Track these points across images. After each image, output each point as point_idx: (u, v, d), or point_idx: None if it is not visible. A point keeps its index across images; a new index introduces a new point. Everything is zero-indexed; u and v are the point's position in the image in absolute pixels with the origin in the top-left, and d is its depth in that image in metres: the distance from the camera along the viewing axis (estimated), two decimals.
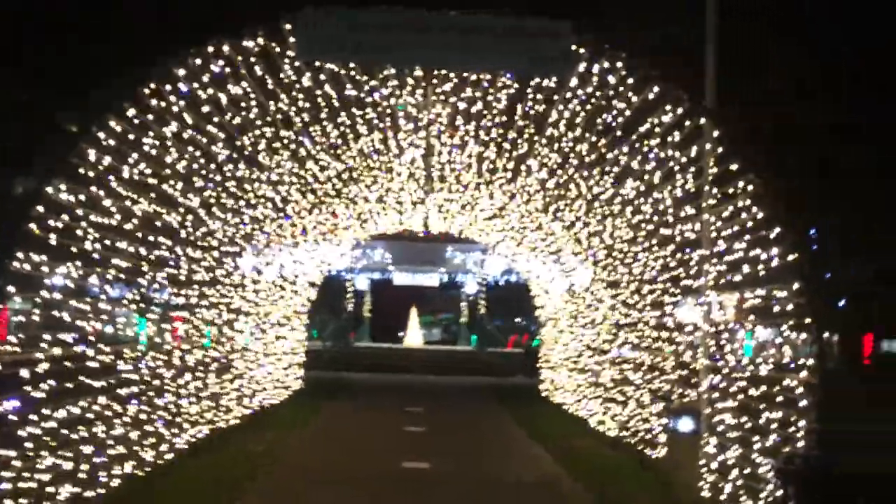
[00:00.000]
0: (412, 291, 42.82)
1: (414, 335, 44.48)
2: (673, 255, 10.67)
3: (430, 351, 39.22)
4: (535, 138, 11.47)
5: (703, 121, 8.78)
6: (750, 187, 7.87)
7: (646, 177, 10.28)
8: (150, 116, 8.45)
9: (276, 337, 18.30)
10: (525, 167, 13.14)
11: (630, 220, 11.74)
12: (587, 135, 10.57)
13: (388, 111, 10.93)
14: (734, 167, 7.97)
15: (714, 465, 9.59)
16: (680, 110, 8.67)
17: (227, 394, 14.27)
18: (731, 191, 8.25)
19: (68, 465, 8.44)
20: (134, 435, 10.02)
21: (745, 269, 8.52)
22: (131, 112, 8.03)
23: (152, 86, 8.12)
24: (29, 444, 7.77)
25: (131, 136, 8.31)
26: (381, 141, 12.52)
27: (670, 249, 10.64)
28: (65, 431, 8.33)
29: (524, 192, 14.81)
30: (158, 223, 9.94)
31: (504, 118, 10.85)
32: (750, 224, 8.12)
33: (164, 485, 10.20)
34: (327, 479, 10.93)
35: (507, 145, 12.17)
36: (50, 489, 8.08)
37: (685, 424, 9.58)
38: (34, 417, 7.87)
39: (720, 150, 8.10)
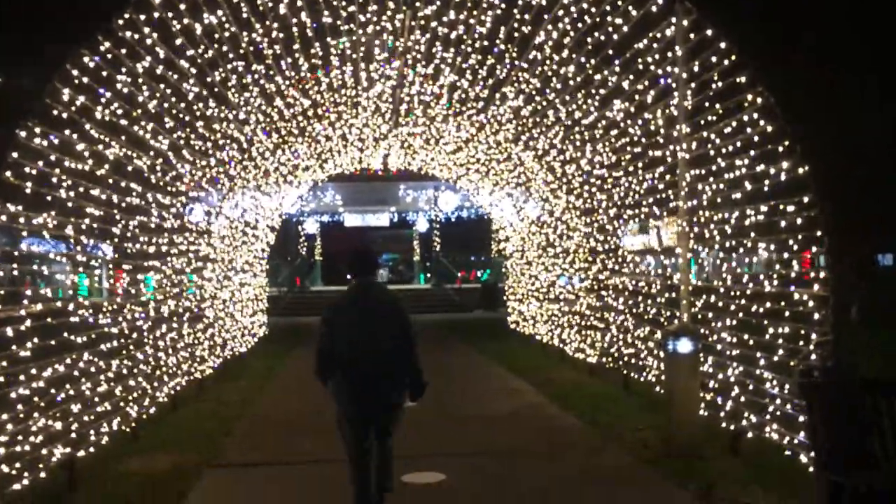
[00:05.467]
0: (362, 233, 42.36)
1: None
2: (661, 177, 10.45)
3: None
4: (516, 63, 11.07)
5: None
6: (759, 100, 7.65)
7: (637, 97, 9.96)
8: (124, 51, 7.84)
9: (241, 284, 17.83)
10: (499, 95, 12.76)
11: (614, 143, 11.44)
12: (574, 55, 10.19)
13: (363, 39, 10.43)
14: (742, 79, 7.71)
15: (713, 384, 9.63)
16: (685, 23, 8.37)
17: (201, 344, 13.88)
18: (735, 104, 8.02)
19: (59, 425, 8.08)
20: (118, 390, 9.66)
21: (748, 185, 8.36)
22: (105, 45, 7.43)
23: (126, 16, 7.51)
24: (20, 406, 7.38)
25: (104, 73, 7.72)
26: (351, 73, 12.01)
27: (659, 171, 10.41)
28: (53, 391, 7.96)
29: (494, 122, 14.44)
30: (129, 168, 9.38)
31: (485, 42, 10.42)
32: (756, 139, 7.91)
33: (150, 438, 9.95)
34: (310, 429, 10.54)
35: (483, 72, 11.75)
36: (43, 451, 7.73)
37: (684, 346, 9.48)
38: (22, 378, 7.48)
39: (726, 62, 7.83)
